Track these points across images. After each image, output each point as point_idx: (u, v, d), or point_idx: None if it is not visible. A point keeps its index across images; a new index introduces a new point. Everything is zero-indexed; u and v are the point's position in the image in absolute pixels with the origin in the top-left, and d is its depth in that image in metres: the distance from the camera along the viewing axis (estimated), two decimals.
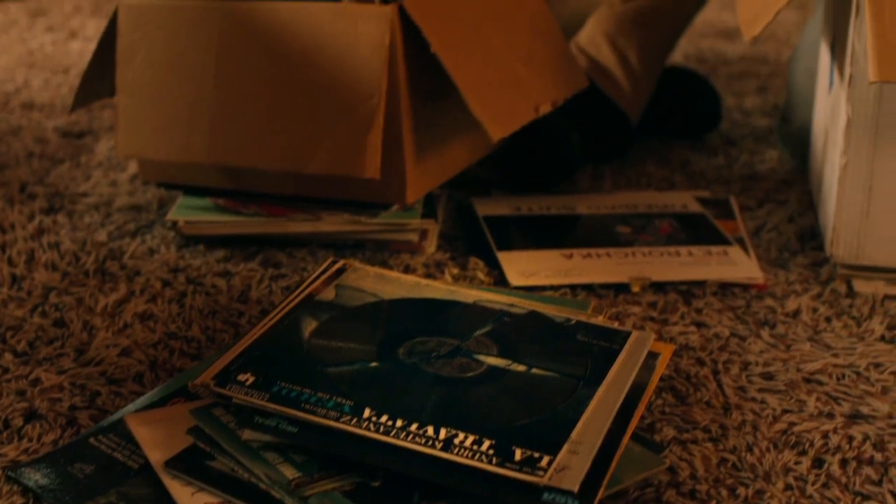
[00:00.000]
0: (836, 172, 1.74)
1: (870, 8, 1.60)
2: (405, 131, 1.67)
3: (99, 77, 1.87)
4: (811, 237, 1.88)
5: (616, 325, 1.44)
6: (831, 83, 1.88)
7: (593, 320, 1.45)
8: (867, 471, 1.28)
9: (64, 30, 3.22)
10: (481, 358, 1.35)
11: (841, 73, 1.77)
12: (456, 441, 1.18)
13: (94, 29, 3.22)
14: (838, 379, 1.46)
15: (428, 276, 1.72)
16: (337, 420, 1.21)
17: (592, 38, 2.17)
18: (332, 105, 1.66)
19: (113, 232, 1.87)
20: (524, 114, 1.77)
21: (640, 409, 1.27)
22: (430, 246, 1.81)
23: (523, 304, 1.48)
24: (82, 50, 3.00)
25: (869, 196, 1.72)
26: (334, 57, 1.65)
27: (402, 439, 1.18)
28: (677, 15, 2.24)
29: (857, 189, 1.72)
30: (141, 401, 1.33)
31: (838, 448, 1.32)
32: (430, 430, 1.19)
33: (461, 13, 1.75)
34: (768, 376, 1.47)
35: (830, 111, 1.86)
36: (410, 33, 1.64)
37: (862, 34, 1.65)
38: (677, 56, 2.94)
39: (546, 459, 1.15)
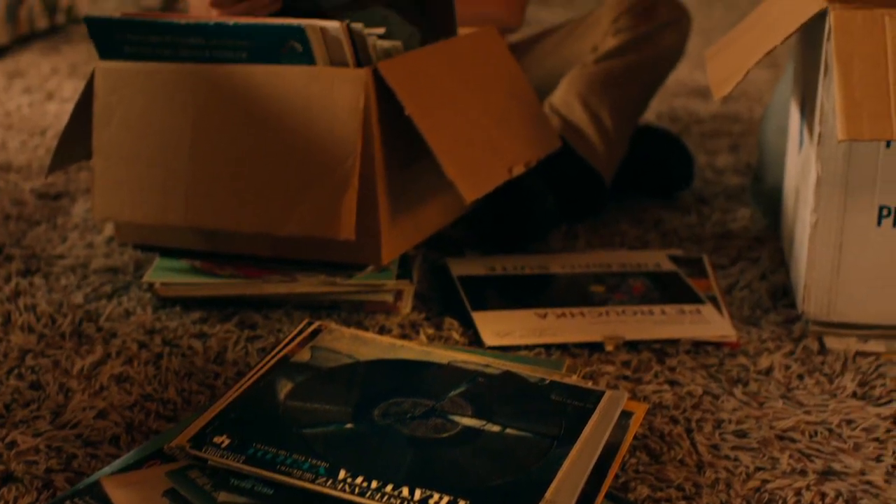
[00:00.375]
0: (806, 230, 1.76)
1: (838, 68, 1.62)
2: (380, 193, 1.69)
3: (76, 139, 1.88)
4: (783, 294, 1.90)
5: (590, 384, 1.45)
6: (801, 142, 1.90)
7: (567, 380, 1.46)
8: None
9: (41, 91, 3.24)
10: (456, 419, 1.36)
11: (811, 132, 1.80)
12: (430, 502, 1.18)
13: (71, 90, 3.23)
14: (811, 436, 1.48)
15: (403, 336, 1.73)
16: (312, 482, 1.22)
17: (565, 98, 2.19)
18: (307, 167, 1.67)
19: (89, 294, 1.87)
20: (498, 175, 1.79)
21: (614, 469, 1.28)
22: (406, 306, 1.82)
23: (498, 365, 1.49)
24: (59, 111, 3.01)
25: (839, 253, 1.73)
26: (309, 120, 1.67)
27: (378, 500, 1.19)
28: (649, 75, 2.26)
29: (827, 246, 1.74)
30: (117, 463, 1.33)
31: None
32: (405, 492, 1.20)
33: (435, 76, 1.77)
34: (741, 434, 1.48)
35: (801, 169, 1.88)
36: (385, 96, 1.66)
37: (830, 93, 1.67)
38: (650, 115, 2.96)
39: None
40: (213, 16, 1.89)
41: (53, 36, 3.99)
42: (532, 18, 4.21)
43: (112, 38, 1.80)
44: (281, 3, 1.90)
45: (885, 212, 1.71)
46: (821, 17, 1.70)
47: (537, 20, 4.19)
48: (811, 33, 1.85)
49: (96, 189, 1.83)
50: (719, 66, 1.88)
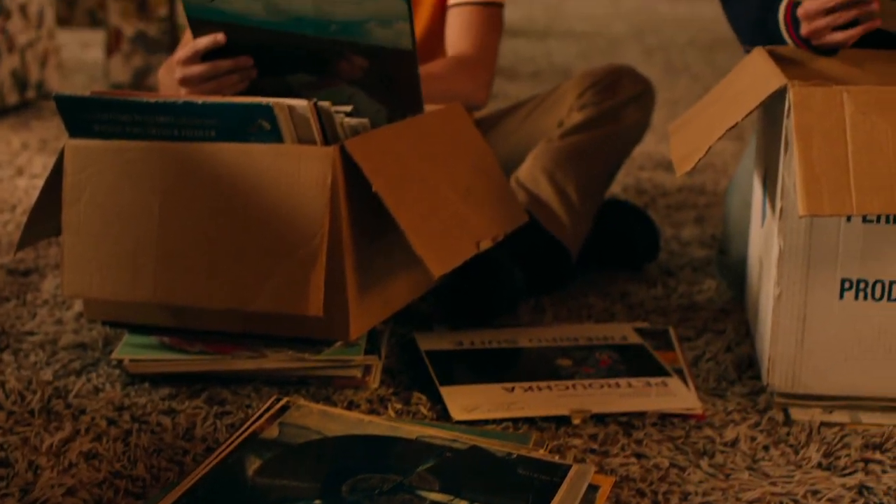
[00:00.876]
0: (770, 303, 1.78)
1: (798, 143, 1.65)
2: (348, 269, 1.70)
3: (45, 216, 1.89)
4: (749, 366, 1.92)
5: (557, 458, 1.47)
6: (764, 215, 1.92)
7: (534, 454, 1.47)
8: None
9: (11, 167, 3.25)
10: (423, 494, 1.36)
11: (773, 206, 1.82)
12: None
13: (41, 166, 3.24)
14: None
15: (371, 411, 1.74)
16: None
17: (532, 173, 2.22)
18: (275, 244, 1.69)
19: (58, 370, 1.88)
20: (465, 250, 1.81)
21: None
22: (374, 381, 1.83)
23: (465, 439, 1.50)
24: (29, 187, 3.02)
25: (803, 326, 1.75)
26: (277, 197, 1.68)
27: None
28: (615, 150, 2.29)
29: (791, 319, 1.76)
30: None
31: None
32: None
33: (402, 152, 1.79)
34: None
35: (764, 243, 1.90)
36: (352, 173, 1.68)
37: (791, 169, 1.70)
38: (616, 187, 2.99)
39: None
40: (183, 94, 1.91)
41: (24, 111, 4.01)
42: (499, 92, 4.25)
43: (82, 116, 1.81)
44: (248, 82, 1.92)
45: (846, 285, 1.74)
46: (781, 93, 1.74)
47: (504, 94, 4.24)
48: (772, 109, 1.88)
49: (65, 266, 1.84)
50: (682, 141, 1.91)
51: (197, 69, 1.91)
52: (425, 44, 2.28)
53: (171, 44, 3.76)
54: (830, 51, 1.97)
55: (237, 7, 1.85)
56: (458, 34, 2.25)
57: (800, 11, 1.93)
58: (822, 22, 1.90)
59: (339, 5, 1.79)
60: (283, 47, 1.88)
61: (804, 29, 1.93)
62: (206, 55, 1.90)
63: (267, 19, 1.84)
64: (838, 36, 1.90)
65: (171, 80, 2.03)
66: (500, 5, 2.28)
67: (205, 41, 1.89)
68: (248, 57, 1.90)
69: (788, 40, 1.99)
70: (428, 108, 1.97)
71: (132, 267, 1.78)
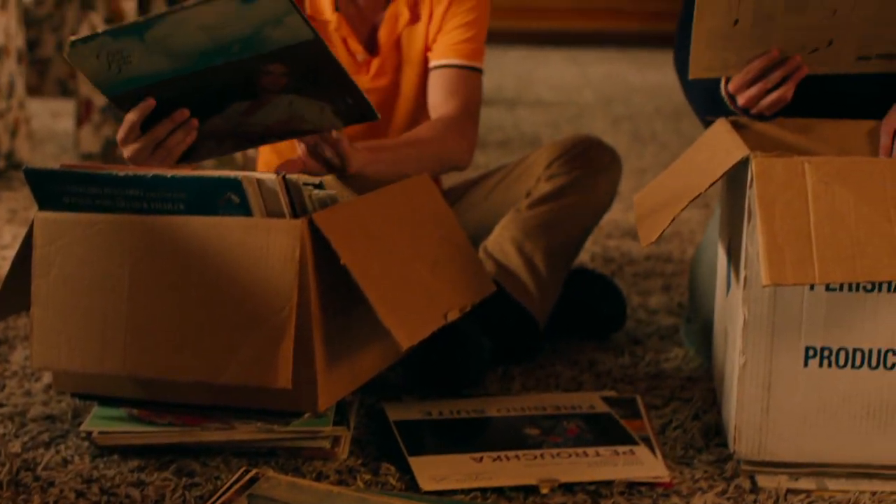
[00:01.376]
0: (735, 371, 1.80)
1: (760, 214, 1.68)
2: (316, 341, 1.71)
3: (15, 290, 1.89)
4: (716, 433, 1.93)
5: None
6: (729, 284, 1.95)
7: None
8: None
9: None
10: None
11: (737, 275, 1.84)
12: None
13: (10, 237, 3.24)
14: None
15: (340, 482, 1.75)
16: None
17: (500, 243, 2.24)
18: (243, 317, 1.70)
19: (27, 442, 1.87)
20: (433, 321, 1.82)
21: None
22: (343, 452, 1.83)
23: None
24: None
25: (768, 394, 1.77)
26: (246, 270, 1.69)
27: None
28: (583, 220, 2.31)
29: (756, 387, 1.77)
30: None
31: None
32: None
33: (370, 224, 1.81)
34: None
35: (729, 311, 1.92)
36: (321, 245, 1.69)
37: (754, 238, 1.72)
38: (584, 255, 3.01)
39: None
40: (152, 165, 1.91)
41: None
42: None
43: (51, 189, 1.82)
44: (195, 132, 1.91)
45: (811, 352, 1.76)
46: (744, 164, 1.76)
47: (473, 163, 4.26)
48: (735, 179, 1.91)
49: (35, 338, 1.84)
50: (647, 211, 1.93)
51: (138, 145, 1.90)
52: (418, 100, 2.32)
53: None
54: (774, 115, 2.00)
55: (144, 69, 1.83)
56: (442, 96, 2.27)
57: (730, 87, 1.97)
58: (752, 91, 1.94)
59: (227, 27, 1.77)
60: (207, 86, 1.87)
61: (740, 101, 1.97)
62: (143, 125, 1.90)
63: (176, 67, 1.83)
64: (773, 97, 1.94)
65: (137, 152, 2.03)
66: (481, 71, 2.31)
67: (136, 113, 1.88)
68: (181, 110, 1.89)
69: (735, 111, 2.02)
70: (398, 184, 1.99)
71: (101, 339, 1.79)
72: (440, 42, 2.29)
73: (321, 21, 2.24)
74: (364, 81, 2.23)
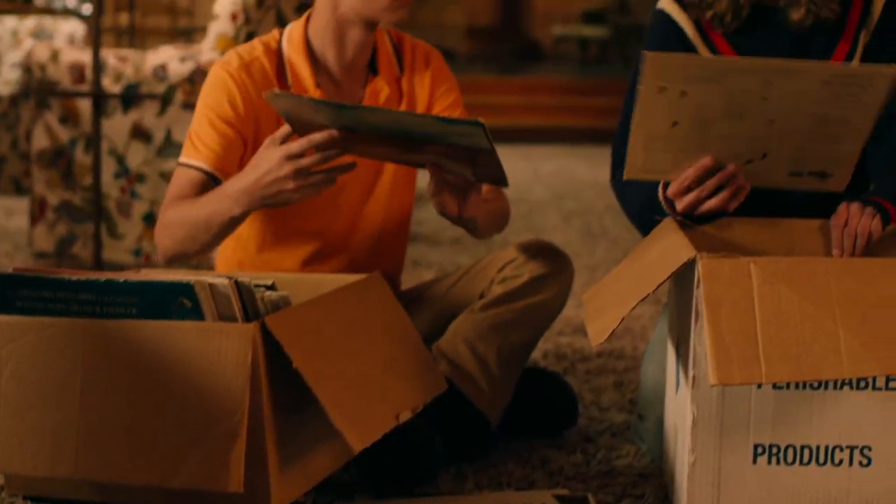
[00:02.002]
0: (685, 469, 1.81)
1: (707, 314, 1.71)
2: (269, 444, 1.72)
3: None
4: None
5: None
6: (678, 383, 1.97)
7: None
8: None
9: None
10: None
11: (685, 375, 1.86)
12: None
13: None
14: None
15: None
16: None
17: (453, 343, 2.25)
18: (196, 421, 1.70)
19: None
20: (385, 422, 1.83)
21: None
22: None
23: None
24: None
25: (718, 491, 1.79)
26: (198, 374, 1.70)
27: None
28: (534, 322, 2.33)
29: (706, 485, 1.79)
30: None
31: None
32: None
33: (322, 326, 1.82)
34: None
35: (678, 410, 1.94)
36: (273, 348, 1.71)
37: (702, 338, 1.75)
38: (536, 353, 3.03)
39: None
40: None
41: None
42: (421, 259, 4.31)
43: (4, 293, 1.83)
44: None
45: (759, 450, 1.78)
46: (691, 264, 1.79)
47: (427, 261, 4.29)
48: (683, 279, 1.94)
49: None
50: (596, 311, 1.96)
51: (308, 160, 1.96)
52: (401, 169, 2.38)
53: (96, 213, 3.78)
54: (712, 217, 2.04)
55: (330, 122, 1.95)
56: None
57: (668, 193, 2.01)
58: (689, 198, 1.98)
59: (423, 126, 1.95)
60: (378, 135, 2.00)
61: (679, 206, 2.00)
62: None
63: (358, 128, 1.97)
64: (710, 204, 1.97)
65: (170, 241, 2.12)
66: None
67: (320, 136, 1.95)
68: (335, 131, 1.96)
69: (672, 215, 2.06)
70: (351, 277, 2.01)
71: (53, 442, 1.79)
72: None
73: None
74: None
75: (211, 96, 2.24)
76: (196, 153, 2.20)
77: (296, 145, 1.96)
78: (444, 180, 2.07)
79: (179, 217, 2.13)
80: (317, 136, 1.95)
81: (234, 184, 2.05)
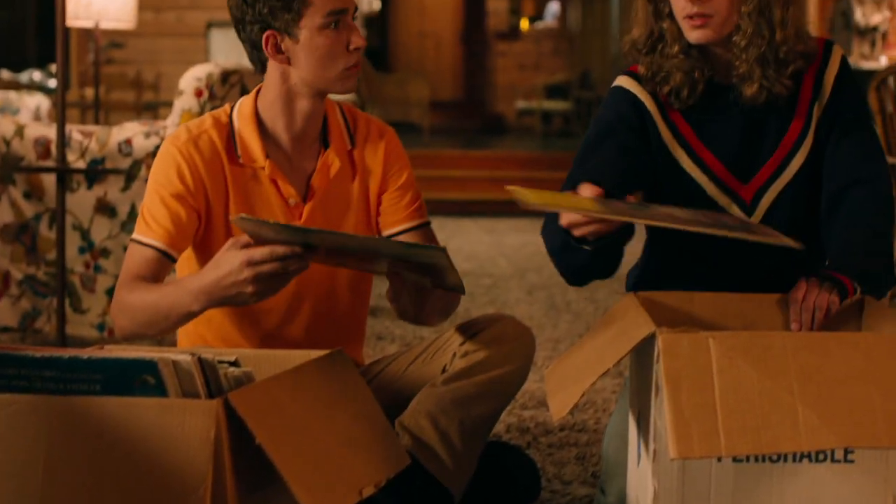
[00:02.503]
0: None
1: (667, 389, 1.72)
2: None
3: None
4: None
5: None
6: (639, 456, 1.98)
7: None
8: None
9: None
10: None
11: (646, 448, 1.88)
12: None
13: None
14: None
15: None
16: None
17: (415, 417, 2.26)
18: (159, 497, 1.70)
19: None
20: (349, 497, 1.83)
21: None
22: None
23: None
24: None
25: None
26: (162, 450, 1.70)
27: None
28: (497, 395, 2.34)
29: None
30: None
31: None
32: None
33: (285, 402, 1.83)
34: None
35: (640, 483, 1.95)
36: (236, 425, 1.71)
37: (662, 412, 1.76)
38: (499, 426, 3.04)
39: None
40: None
41: None
42: (385, 333, 4.32)
43: None
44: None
45: None
46: (651, 339, 1.81)
47: (390, 334, 4.30)
48: (643, 353, 1.96)
49: None
50: (558, 385, 1.98)
51: (269, 267, 2.02)
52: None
53: (60, 288, 3.77)
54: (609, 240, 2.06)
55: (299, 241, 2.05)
56: None
57: (562, 222, 2.03)
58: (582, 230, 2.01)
59: (385, 250, 2.13)
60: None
61: (575, 233, 2.03)
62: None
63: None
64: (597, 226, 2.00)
65: (128, 322, 2.19)
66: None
67: (283, 249, 2.02)
68: (298, 247, 2.03)
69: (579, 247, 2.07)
70: (312, 353, 2.02)
71: None
72: (393, 208, 2.43)
73: (254, 167, 2.30)
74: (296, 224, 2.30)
75: (160, 172, 2.29)
76: (148, 230, 2.25)
77: (258, 253, 2.03)
78: (402, 287, 2.17)
79: (140, 302, 2.20)
80: (279, 250, 2.02)
81: (194, 281, 2.12)
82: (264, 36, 2.26)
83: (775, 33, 2.21)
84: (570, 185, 2.10)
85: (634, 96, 2.32)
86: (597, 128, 2.34)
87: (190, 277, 2.15)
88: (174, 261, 2.26)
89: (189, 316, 2.15)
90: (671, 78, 2.27)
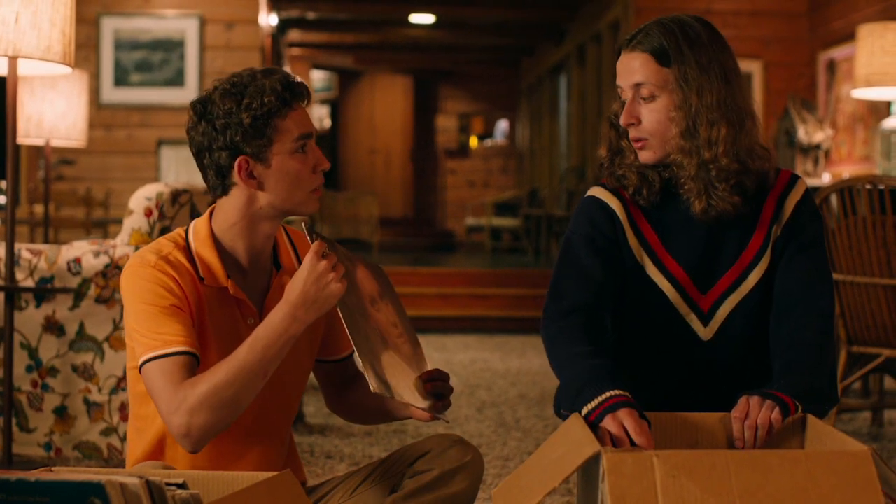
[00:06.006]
0: None
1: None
2: None
3: None
4: None
5: None
6: None
7: None
8: None
9: None
10: None
11: None
12: None
13: None
14: None
15: None
16: None
17: None
18: None
19: None
20: None
21: None
22: None
23: None
24: None
25: None
26: None
27: None
28: None
29: None
30: None
31: None
32: None
33: None
34: None
35: None
36: None
37: None
38: None
39: None
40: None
41: None
42: (335, 453, 4.31)
43: None
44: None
45: None
46: (596, 458, 1.83)
47: (340, 454, 4.29)
48: (589, 473, 1.98)
49: None
50: (506, 503, 1.99)
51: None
52: (303, 365, 2.49)
53: (7, 407, 3.75)
54: None
55: None
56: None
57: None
58: None
59: None
60: None
61: None
62: None
63: None
64: None
65: (208, 413, 2.18)
66: None
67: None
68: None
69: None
70: (262, 475, 2.03)
71: None
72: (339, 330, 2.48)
73: (218, 287, 2.31)
74: None
75: (146, 293, 2.26)
76: (165, 343, 2.22)
77: (327, 264, 2.25)
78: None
79: (217, 381, 2.19)
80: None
81: (279, 311, 2.23)
82: (236, 162, 2.29)
83: (703, 153, 2.28)
84: (560, 299, 2.20)
85: (605, 203, 2.42)
86: (575, 236, 2.41)
87: (269, 317, 2.23)
88: (199, 363, 2.24)
89: (288, 344, 2.23)
90: (628, 179, 2.37)
